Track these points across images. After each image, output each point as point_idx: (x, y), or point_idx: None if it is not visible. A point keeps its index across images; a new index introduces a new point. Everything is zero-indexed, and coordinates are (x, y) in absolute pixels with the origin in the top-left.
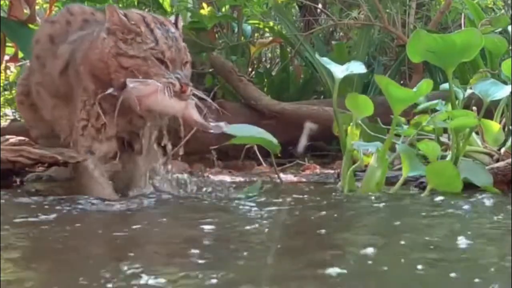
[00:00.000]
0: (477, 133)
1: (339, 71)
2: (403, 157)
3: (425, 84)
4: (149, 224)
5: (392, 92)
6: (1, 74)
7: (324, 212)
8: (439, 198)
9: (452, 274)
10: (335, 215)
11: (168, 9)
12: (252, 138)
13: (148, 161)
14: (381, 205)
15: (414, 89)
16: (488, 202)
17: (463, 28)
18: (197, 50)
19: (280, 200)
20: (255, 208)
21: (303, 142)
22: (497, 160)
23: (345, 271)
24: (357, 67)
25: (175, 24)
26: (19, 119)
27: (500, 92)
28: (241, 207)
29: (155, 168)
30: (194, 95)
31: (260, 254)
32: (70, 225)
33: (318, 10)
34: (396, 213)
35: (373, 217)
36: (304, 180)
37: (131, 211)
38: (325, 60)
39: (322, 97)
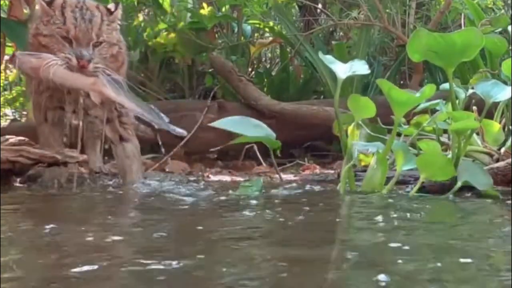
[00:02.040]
0: (477, 133)
1: (342, 71)
2: (396, 152)
3: (428, 89)
4: None
5: (394, 96)
6: (1, 74)
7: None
8: None
9: None
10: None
11: (168, 9)
12: (253, 137)
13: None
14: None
15: (417, 94)
16: None
17: (463, 28)
18: (197, 50)
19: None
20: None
21: None
22: (497, 160)
23: None
24: (360, 68)
25: (113, 11)
26: (19, 119)
27: (502, 93)
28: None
29: None
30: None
31: None
32: None
33: (318, 10)
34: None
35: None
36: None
37: None
38: (328, 59)
39: (322, 97)
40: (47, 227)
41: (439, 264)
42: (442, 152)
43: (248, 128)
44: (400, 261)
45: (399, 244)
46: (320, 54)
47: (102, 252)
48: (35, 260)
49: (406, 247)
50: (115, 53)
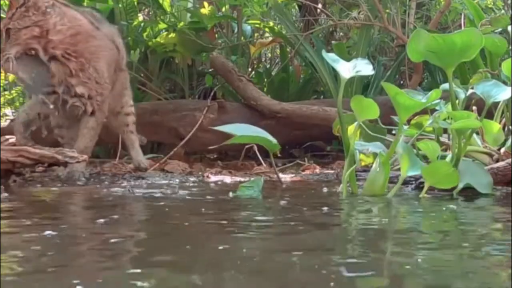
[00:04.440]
0: (477, 133)
1: (346, 70)
2: (401, 155)
3: (435, 94)
4: None
5: (400, 101)
6: (1, 74)
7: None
8: None
9: None
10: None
11: (168, 9)
12: (252, 138)
13: None
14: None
15: (423, 99)
16: None
17: (463, 28)
18: (197, 50)
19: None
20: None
21: None
22: (497, 160)
23: None
24: (364, 67)
25: None
26: None
27: (502, 93)
28: None
29: None
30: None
31: None
32: None
33: (318, 10)
34: None
35: None
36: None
37: None
38: (332, 58)
39: (322, 97)
40: None
41: None
42: (448, 164)
43: (249, 132)
44: None
45: None
46: (324, 53)
47: None
48: None
49: None
50: (37, 34)
